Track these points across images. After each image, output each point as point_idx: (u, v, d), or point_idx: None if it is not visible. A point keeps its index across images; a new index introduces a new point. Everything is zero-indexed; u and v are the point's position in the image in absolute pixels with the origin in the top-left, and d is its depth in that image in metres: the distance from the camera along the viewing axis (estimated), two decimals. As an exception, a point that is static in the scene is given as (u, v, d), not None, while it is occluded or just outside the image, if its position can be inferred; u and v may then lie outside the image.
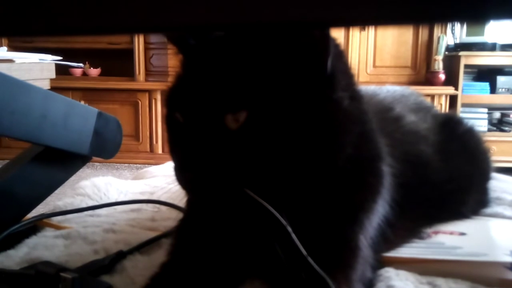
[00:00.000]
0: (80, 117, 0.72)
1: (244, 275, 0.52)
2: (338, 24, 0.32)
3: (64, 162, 0.74)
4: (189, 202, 0.57)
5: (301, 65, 0.45)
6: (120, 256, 0.60)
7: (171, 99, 0.49)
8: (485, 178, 0.84)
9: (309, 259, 0.43)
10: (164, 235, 0.66)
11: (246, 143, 0.44)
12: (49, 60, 1.55)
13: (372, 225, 0.54)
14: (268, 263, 0.50)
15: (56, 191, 0.77)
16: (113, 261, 0.58)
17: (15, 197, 0.68)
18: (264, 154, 0.44)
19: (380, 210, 0.55)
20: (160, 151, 3.30)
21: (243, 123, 0.43)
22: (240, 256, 0.51)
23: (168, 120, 0.50)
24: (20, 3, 0.26)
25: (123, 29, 0.30)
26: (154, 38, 3.28)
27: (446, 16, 0.24)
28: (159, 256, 0.59)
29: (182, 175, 0.45)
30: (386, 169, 0.56)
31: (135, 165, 3.25)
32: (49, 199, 0.76)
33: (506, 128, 3.12)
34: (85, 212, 0.79)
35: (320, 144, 0.46)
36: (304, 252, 0.44)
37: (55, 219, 0.76)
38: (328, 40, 0.45)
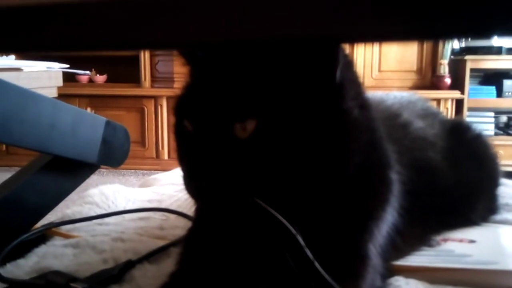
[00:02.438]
0: (88, 126, 0.73)
1: (253, 285, 0.52)
2: (343, 40, 0.32)
3: (72, 171, 0.74)
4: (197, 210, 0.57)
5: (310, 75, 0.45)
6: (129, 265, 0.60)
7: (179, 108, 0.49)
8: (494, 184, 0.83)
9: (316, 264, 0.43)
10: (173, 243, 0.66)
11: (255, 152, 0.44)
12: (57, 68, 1.56)
13: (381, 233, 0.54)
14: (277, 273, 0.49)
15: (64, 199, 0.78)
16: (122, 270, 0.59)
17: (24, 206, 0.68)
18: (273, 163, 0.44)
19: (389, 218, 0.55)
20: (166, 157, 3.31)
21: (252, 132, 0.43)
22: (249, 266, 0.51)
23: (177, 129, 0.50)
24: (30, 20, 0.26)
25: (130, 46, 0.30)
26: (160, 45, 3.30)
27: (449, 33, 0.24)
28: (168, 265, 0.59)
29: (190, 183, 0.45)
30: (395, 177, 0.56)
31: (141, 171, 3.26)
32: (57, 207, 0.77)
33: (513, 132, 3.10)
34: (94, 221, 0.79)
35: (329, 153, 0.46)
36: (311, 257, 0.44)
37: (64, 228, 0.76)
38: (337, 51, 0.45)
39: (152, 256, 0.63)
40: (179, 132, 0.50)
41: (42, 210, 0.71)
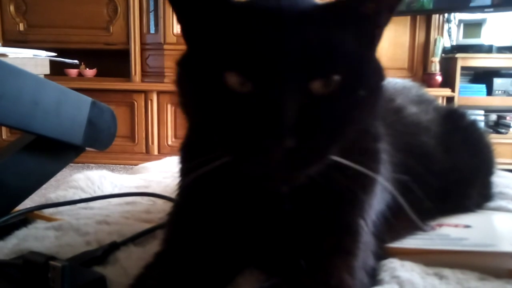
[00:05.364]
0: (73, 105, 0.70)
1: (242, 265, 0.50)
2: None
3: (56, 152, 0.71)
4: (183, 188, 0.54)
5: (368, 33, 0.45)
6: (114, 247, 0.57)
7: (222, 60, 0.41)
8: (489, 171, 0.83)
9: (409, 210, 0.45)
10: (160, 226, 0.63)
11: (331, 109, 0.41)
12: (44, 56, 1.53)
13: (373, 210, 0.52)
14: (267, 251, 0.47)
15: (48, 185, 0.75)
16: (106, 252, 0.56)
17: (4, 187, 0.65)
18: (338, 121, 0.42)
19: (381, 194, 0.53)
20: (156, 152, 3.26)
21: (334, 89, 0.41)
22: (238, 245, 0.49)
23: (208, 88, 0.42)
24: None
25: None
26: (151, 39, 3.26)
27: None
28: (153, 247, 0.56)
29: (276, 145, 0.37)
30: (384, 149, 0.54)
31: (130, 166, 3.21)
32: (40, 192, 0.74)
33: (503, 130, 3.11)
34: (78, 205, 0.76)
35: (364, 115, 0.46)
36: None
37: (47, 212, 0.73)
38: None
39: (138, 238, 0.61)
40: (212, 91, 0.41)
41: (23, 192, 0.68)
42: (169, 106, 3.20)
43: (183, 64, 0.47)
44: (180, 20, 0.47)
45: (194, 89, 0.44)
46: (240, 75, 0.40)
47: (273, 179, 0.41)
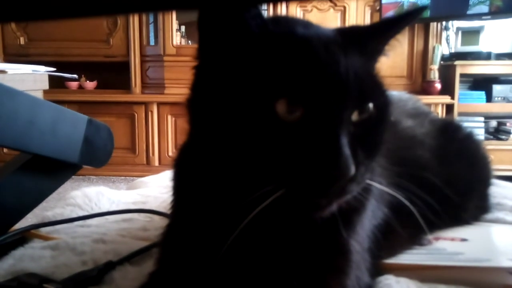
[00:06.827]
0: (69, 124, 0.70)
1: (235, 286, 0.50)
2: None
3: (53, 170, 0.72)
4: (176, 206, 0.54)
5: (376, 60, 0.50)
6: (109, 266, 0.58)
7: (277, 87, 0.39)
8: (486, 183, 0.82)
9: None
10: (155, 244, 0.63)
11: (366, 135, 0.42)
12: (43, 71, 1.53)
13: (365, 228, 0.52)
14: (260, 272, 0.47)
15: (46, 202, 0.75)
16: (101, 272, 0.56)
17: (1, 207, 0.65)
18: (374, 145, 0.44)
19: (372, 212, 0.53)
20: (156, 163, 3.27)
21: (366, 116, 0.42)
22: (231, 266, 0.49)
23: (250, 116, 0.39)
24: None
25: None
26: (150, 51, 3.28)
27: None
28: (149, 266, 0.56)
29: (344, 176, 0.38)
30: (378, 161, 0.54)
31: (131, 178, 3.22)
32: (38, 209, 0.74)
33: (503, 137, 3.11)
34: (75, 223, 0.77)
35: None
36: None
37: (44, 230, 0.73)
38: None
39: (134, 257, 0.61)
40: (256, 120, 0.39)
41: (20, 211, 0.68)
42: (169, 117, 3.21)
43: (202, 91, 0.45)
44: (205, 50, 0.44)
45: (228, 118, 0.41)
46: (291, 102, 0.39)
47: (324, 206, 0.41)
